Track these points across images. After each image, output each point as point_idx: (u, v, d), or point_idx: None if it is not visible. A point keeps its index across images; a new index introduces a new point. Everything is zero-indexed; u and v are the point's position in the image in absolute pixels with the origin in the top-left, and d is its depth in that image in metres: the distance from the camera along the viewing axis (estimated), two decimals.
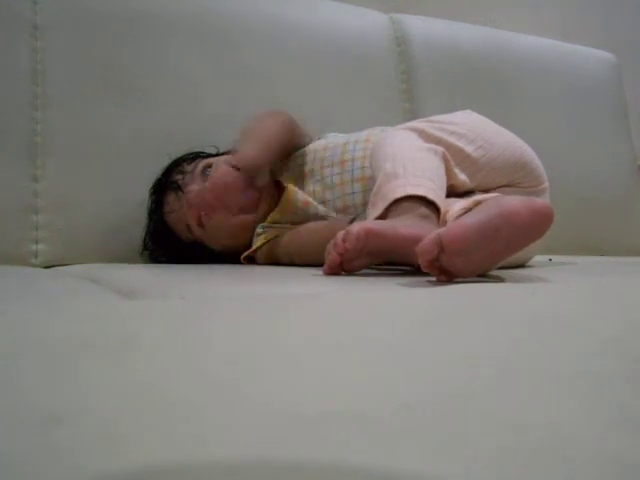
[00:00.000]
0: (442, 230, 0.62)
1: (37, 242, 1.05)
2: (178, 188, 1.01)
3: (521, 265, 0.92)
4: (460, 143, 0.85)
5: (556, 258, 1.16)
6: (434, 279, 0.66)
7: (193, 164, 1.04)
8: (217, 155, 1.08)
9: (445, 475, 0.15)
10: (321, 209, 0.98)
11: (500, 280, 0.68)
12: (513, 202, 0.64)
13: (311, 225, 0.92)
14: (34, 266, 1.03)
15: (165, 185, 1.04)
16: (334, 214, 0.97)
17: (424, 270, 0.63)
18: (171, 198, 1.03)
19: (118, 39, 1.16)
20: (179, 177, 1.03)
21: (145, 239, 1.09)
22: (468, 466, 0.15)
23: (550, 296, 0.49)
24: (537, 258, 0.98)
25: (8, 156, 1.05)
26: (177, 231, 1.04)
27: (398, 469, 0.15)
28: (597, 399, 0.20)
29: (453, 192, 0.84)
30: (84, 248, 1.08)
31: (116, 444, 0.16)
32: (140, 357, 0.26)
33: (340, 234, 0.69)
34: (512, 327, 0.33)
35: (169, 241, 1.05)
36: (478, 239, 0.61)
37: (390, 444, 0.16)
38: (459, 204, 0.74)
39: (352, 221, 0.87)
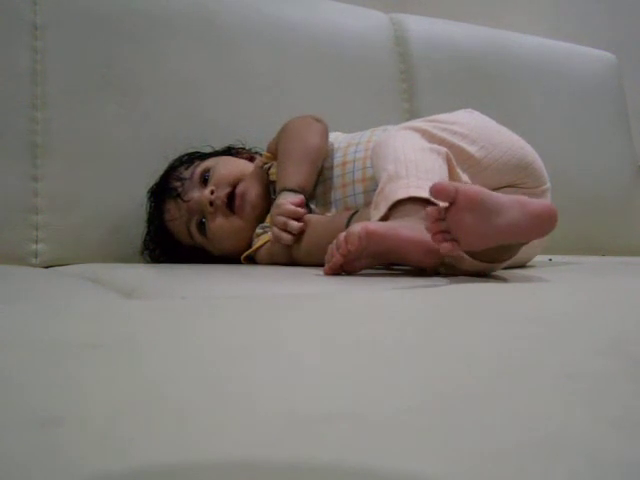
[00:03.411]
0: (458, 183, 0.62)
1: (37, 242, 1.05)
2: (177, 196, 1.02)
3: (521, 265, 0.92)
4: (463, 143, 0.85)
5: (556, 258, 1.16)
6: (434, 280, 0.66)
7: (191, 169, 1.04)
8: (213, 155, 1.08)
9: (445, 475, 0.15)
10: (317, 210, 0.99)
11: (500, 280, 0.68)
12: (524, 196, 0.65)
13: (310, 223, 0.92)
14: (34, 266, 1.03)
15: (164, 192, 1.05)
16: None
17: (428, 229, 0.63)
18: (171, 206, 1.04)
19: (118, 39, 1.15)
20: (178, 184, 1.03)
21: (146, 239, 1.09)
22: (468, 466, 0.15)
23: (550, 296, 0.49)
24: (537, 258, 0.98)
25: (8, 156, 1.05)
26: (178, 237, 1.05)
27: (398, 469, 0.15)
28: (598, 399, 0.20)
29: None
30: (84, 248, 1.08)
31: (116, 444, 0.16)
32: (140, 357, 0.26)
33: (341, 235, 0.69)
34: (512, 327, 0.33)
35: (170, 245, 1.06)
36: (490, 204, 0.61)
37: (390, 445, 0.16)
38: None
39: (351, 216, 0.87)
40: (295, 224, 0.91)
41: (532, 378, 0.23)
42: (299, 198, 0.93)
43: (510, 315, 0.37)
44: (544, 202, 0.65)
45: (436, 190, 0.62)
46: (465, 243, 0.63)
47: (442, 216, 0.62)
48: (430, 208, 0.62)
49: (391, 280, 0.69)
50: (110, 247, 1.10)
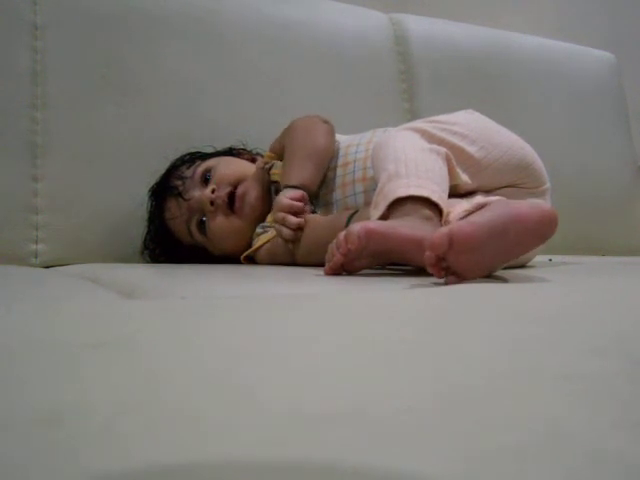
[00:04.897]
0: (452, 226, 0.62)
1: (37, 242, 1.05)
2: (178, 194, 1.02)
3: (521, 265, 0.92)
4: (462, 144, 0.85)
5: (556, 258, 1.16)
6: (434, 280, 0.65)
7: (192, 168, 1.05)
8: (214, 155, 1.08)
9: (445, 475, 0.15)
10: (319, 211, 0.99)
11: (500, 280, 0.68)
12: (521, 205, 0.65)
13: (310, 223, 0.92)
14: (34, 266, 1.03)
15: (165, 190, 1.05)
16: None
17: (429, 269, 0.63)
18: (172, 204, 1.04)
19: (118, 39, 1.16)
20: (179, 183, 1.03)
21: (146, 239, 1.09)
22: (468, 466, 0.15)
23: (550, 296, 0.49)
24: (537, 258, 0.98)
25: (8, 156, 1.05)
26: (178, 236, 1.05)
27: (398, 469, 0.15)
28: (597, 399, 0.20)
29: (455, 192, 0.84)
30: (84, 248, 1.08)
31: (116, 444, 0.16)
32: (140, 357, 0.26)
33: (341, 234, 0.69)
34: (512, 327, 0.33)
35: (170, 244, 1.06)
36: (487, 238, 0.61)
37: (390, 444, 0.16)
38: (461, 206, 0.74)
39: (351, 216, 0.87)
40: (293, 219, 0.91)
41: (532, 378, 0.23)
42: (299, 193, 0.93)
43: (510, 315, 0.37)
44: (542, 208, 0.64)
45: (430, 247, 0.61)
46: (470, 275, 0.63)
47: (441, 257, 0.62)
48: (427, 254, 0.62)
49: (391, 280, 0.69)
50: (110, 247, 1.10)
